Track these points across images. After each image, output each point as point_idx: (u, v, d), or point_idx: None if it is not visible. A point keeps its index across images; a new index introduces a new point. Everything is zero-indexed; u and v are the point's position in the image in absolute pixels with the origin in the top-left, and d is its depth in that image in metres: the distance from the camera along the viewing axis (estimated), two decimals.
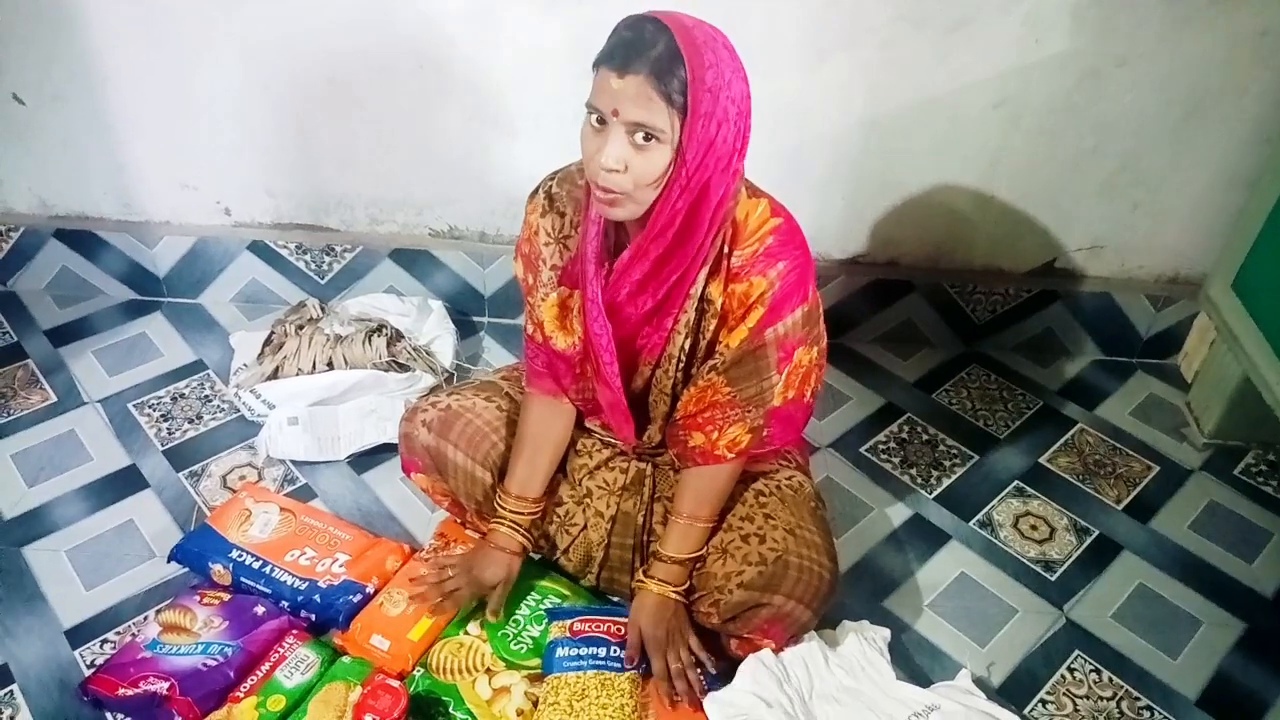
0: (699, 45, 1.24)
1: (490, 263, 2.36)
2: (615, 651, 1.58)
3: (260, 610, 1.65)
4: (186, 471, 2.01)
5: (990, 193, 2.20)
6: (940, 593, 1.83)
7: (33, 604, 1.74)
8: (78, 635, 1.69)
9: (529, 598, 1.69)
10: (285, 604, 1.69)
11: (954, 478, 2.06)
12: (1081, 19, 1.96)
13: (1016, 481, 2.06)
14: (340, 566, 1.74)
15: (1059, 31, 1.98)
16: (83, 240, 2.39)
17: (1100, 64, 2.02)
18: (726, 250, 1.42)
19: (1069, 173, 2.16)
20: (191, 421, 2.12)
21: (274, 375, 2.12)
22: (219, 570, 1.73)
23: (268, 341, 2.19)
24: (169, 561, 1.78)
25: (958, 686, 1.62)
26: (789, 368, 1.47)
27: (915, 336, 2.40)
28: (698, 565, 1.58)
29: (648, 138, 1.26)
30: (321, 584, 1.70)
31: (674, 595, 1.57)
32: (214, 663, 1.55)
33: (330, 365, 2.11)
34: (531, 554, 1.72)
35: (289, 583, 1.70)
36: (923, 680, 1.65)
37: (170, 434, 2.09)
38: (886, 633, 1.67)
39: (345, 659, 1.58)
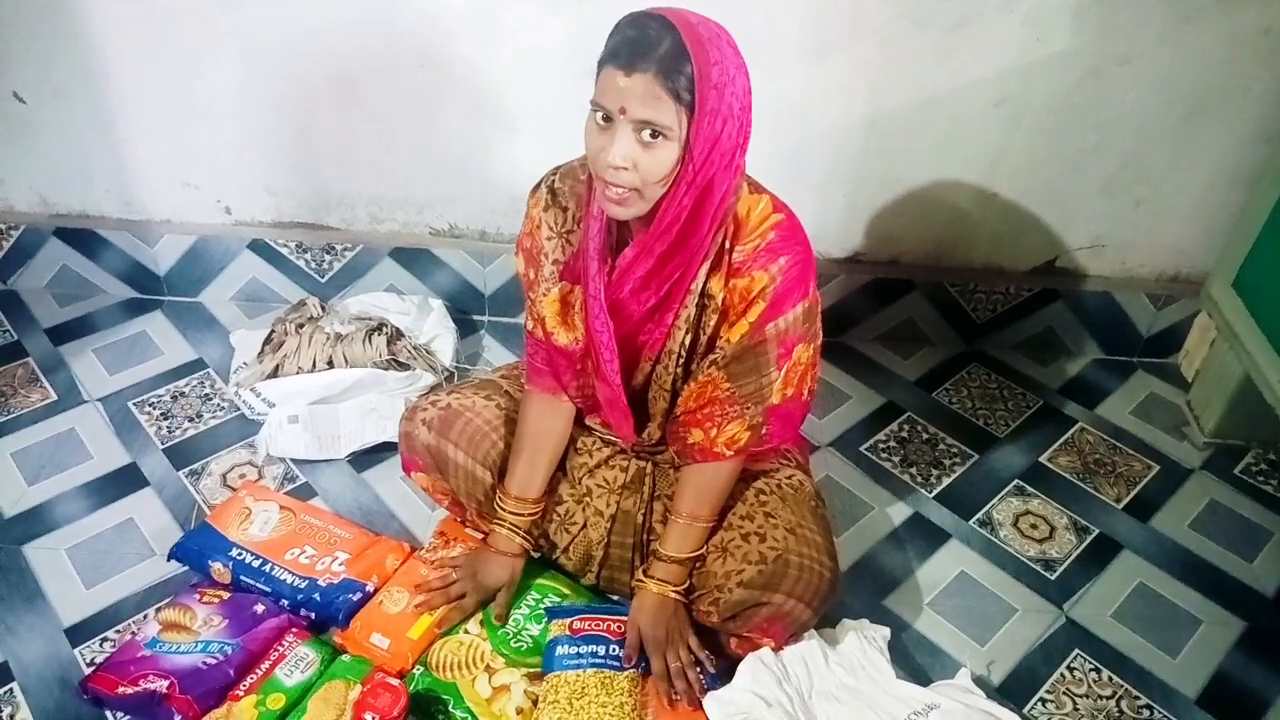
0: (704, 42, 1.25)
1: (490, 261, 2.36)
2: (615, 650, 1.58)
3: (260, 608, 1.65)
4: (186, 470, 2.01)
5: (991, 191, 2.20)
6: (940, 591, 1.82)
7: (33, 602, 1.74)
8: (78, 633, 1.69)
9: (529, 596, 1.69)
10: (285, 602, 1.69)
11: (954, 476, 2.06)
12: (1083, 18, 1.96)
13: (1017, 480, 2.06)
14: (340, 565, 1.74)
15: (1060, 30, 1.97)
16: (83, 239, 2.39)
17: (1101, 63, 2.01)
18: (728, 246, 1.42)
19: (1070, 171, 2.16)
20: (191, 420, 2.12)
21: (274, 374, 2.12)
22: (219, 569, 1.73)
23: (268, 340, 2.19)
24: (169, 560, 1.78)
25: (957, 685, 1.62)
26: (788, 364, 1.47)
27: (916, 335, 2.40)
28: (697, 565, 1.58)
29: (655, 135, 1.26)
30: (321, 582, 1.70)
31: (673, 595, 1.57)
32: (214, 661, 1.55)
33: (330, 364, 2.11)
34: (531, 553, 1.72)
35: (289, 581, 1.70)
36: (922, 679, 1.65)
37: (170, 432, 2.09)
38: (886, 631, 1.67)
39: (345, 657, 1.59)
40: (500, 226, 2.33)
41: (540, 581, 1.72)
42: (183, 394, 2.19)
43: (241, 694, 1.53)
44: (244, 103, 2.18)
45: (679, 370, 1.52)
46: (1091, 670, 1.70)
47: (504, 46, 2.06)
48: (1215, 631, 1.77)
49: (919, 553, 1.90)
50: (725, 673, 1.57)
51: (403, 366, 2.15)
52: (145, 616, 1.70)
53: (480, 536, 1.78)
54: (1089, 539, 1.94)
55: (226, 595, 1.68)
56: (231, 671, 1.55)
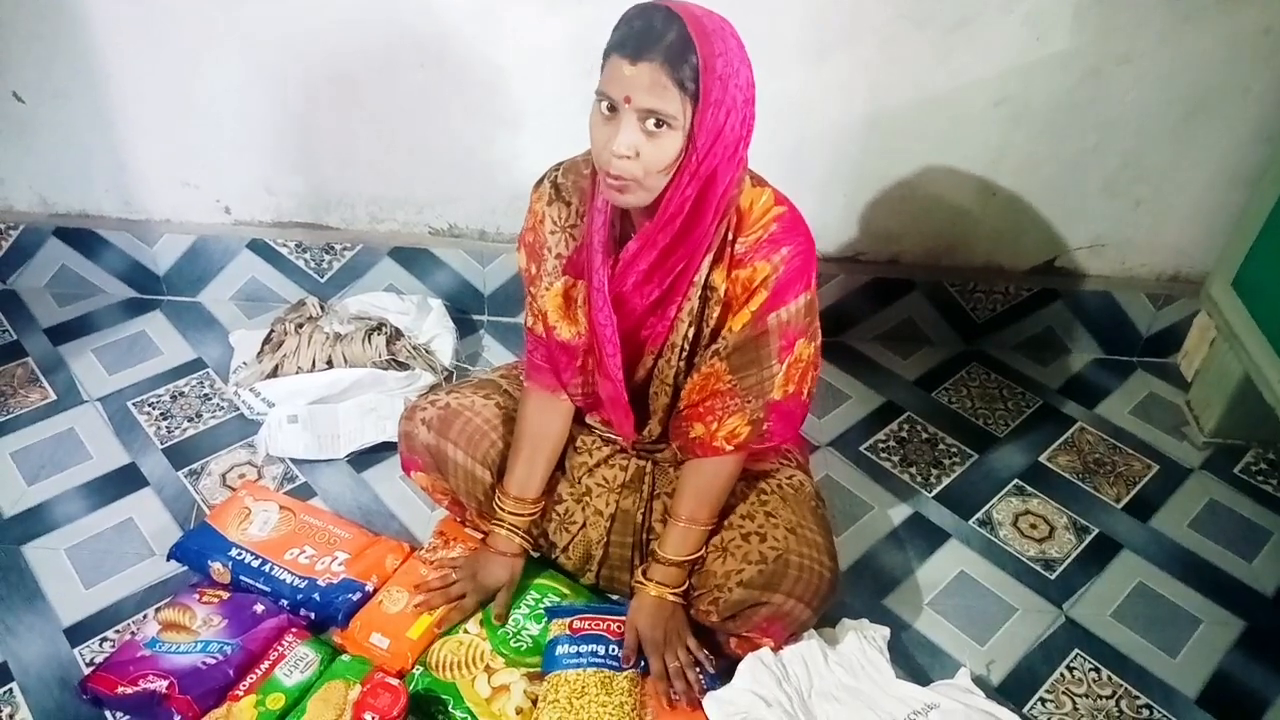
0: (709, 33, 1.26)
1: (490, 261, 2.36)
2: (615, 650, 1.58)
3: (259, 608, 1.65)
4: (186, 470, 2.01)
5: (991, 191, 2.20)
6: (940, 591, 1.82)
7: (32, 602, 1.74)
8: (77, 633, 1.69)
9: (528, 596, 1.69)
10: (285, 602, 1.69)
11: (954, 476, 2.06)
12: (1083, 17, 1.96)
13: (1016, 480, 2.06)
14: (340, 565, 1.73)
15: (1060, 30, 1.97)
16: (83, 238, 2.39)
17: (1102, 62, 2.01)
18: (730, 237, 1.43)
19: (1070, 171, 2.16)
20: (191, 420, 2.12)
21: (273, 373, 2.12)
22: (218, 568, 1.73)
23: (267, 340, 2.19)
24: (168, 560, 1.78)
25: (957, 685, 1.62)
26: (790, 359, 1.48)
27: (915, 335, 2.40)
28: (697, 566, 1.58)
29: (659, 124, 1.27)
30: (321, 582, 1.70)
31: (672, 597, 1.57)
32: (213, 661, 1.55)
33: (330, 363, 2.11)
34: (531, 553, 1.72)
35: (288, 581, 1.70)
36: (922, 679, 1.65)
37: (170, 432, 2.09)
38: (886, 631, 1.67)
39: (345, 657, 1.59)
40: (500, 226, 2.33)
41: (540, 581, 1.72)
42: (182, 394, 2.19)
43: (241, 694, 1.53)
44: (244, 102, 2.18)
45: (681, 364, 1.52)
46: (1091, 670, 1.70)
47: (504, 46, 2.06)
48: (1215, 631, 1.77)
49: (919, 552, 1.90)
50: (725, 673, 1.57)
51: (402, 366, 2.15)
52: (145, 616, 1.70)
53: (480, 536, 1.78)
54: (1089, 539, 1.94)
55: (226, 595, 1.68)
56: (231, 671, 1.54)
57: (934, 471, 2.07)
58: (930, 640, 1.74)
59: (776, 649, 1.58)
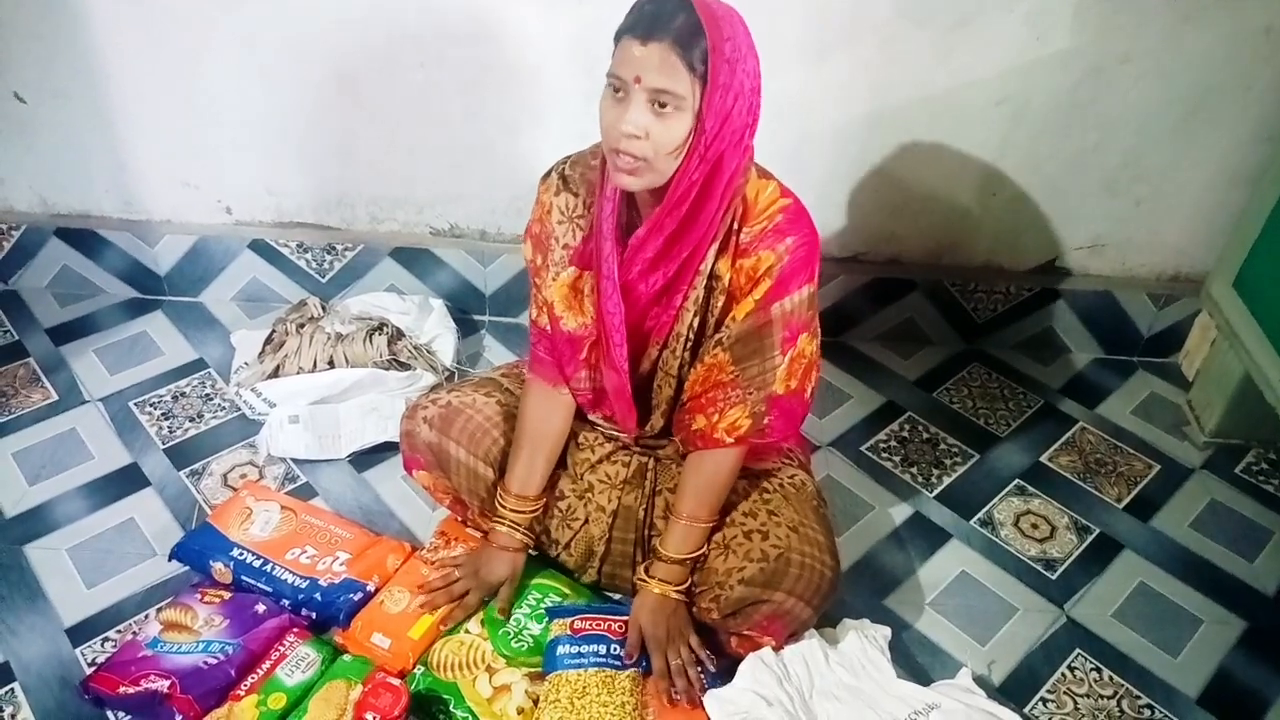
0: (719, 19, 1.28)
1: (491, 261, 2.36)
2: (616, 649, 1.58)
3: (261, 608, 1.65)
4: (187, 470, 2.01)
5: (992, 190, 2.20)
6: (941, 591, 1.82)
7: (34, 602, 1.74)
8: (79, 633, 1.69)
9: (530, 596, 1.69)
10: (286, 602, 1.69)
11: (955, 476, 2.06)
12: (1083, 17, 1.96)
13: (1017, 480, 2.06)
14: (341, 565, 1.74)
15: (1061, 29, 1.97)
16: (84, 239, 2.39)
17: (1103, 61, 2.01)
18: (736, 227, 1.44)
19: (1071, 170, 2.16)
20: (192, 420, 2.12)
21: (275, 374, 2.12)
22: (220, 568, 1.73)
23: (269, 340, 2.19)
24: (170, 560, 1.78)
25: (958, 685, 1.62)
26: (793, 352, 1.48)
27: (916, 335, 2.40)
28: (699, 563, 1.59)
29: (668, 105, 1.29)
30: (322, 582, 1.70)
31: (674, 594, 1.57)
32: (215, 661, 1.55)
33: (331, 364, 2.11)
34: (531, 550, 1.72)
35: (290, 581, 1.70)
36: (923, 678, 1.65)
37: (171, 432, 2.09)
38: (887, 631, 1.67)
39: (346, 657, 1.59)
40: (501, 226, 2.33)
41: (541, 581, 1.72)
42: (184, 394, 2.19)
43: (243, 694, 1.53)
44: (245, 103, 2.18)
45: (686, 355, 1.53)
46: (1092, 670, 1.70)
47: (505, 46, 2.06)
48: (1216, 631, 1.77)
49: (920, 552, 1.90)
50: (725, 672, 1.56)
51: (403, 366, 2.15)
52: (146, 616, 1.70)
53: (481, 536, 1.78)
54: (1090, 538, 1.94)
55: (227, 595, 1.68)
56: (233, 671, 1.55)
57: (935, 471, 2.07)
58: (931, 640, 1.74)
59: (777, 648, 1.58)
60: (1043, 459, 2.11)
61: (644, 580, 1.59)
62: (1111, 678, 1.69)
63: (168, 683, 1.51)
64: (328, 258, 2.38)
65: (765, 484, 1.63)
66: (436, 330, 2.29)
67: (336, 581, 1.70)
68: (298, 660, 1.57)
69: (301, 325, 2.17)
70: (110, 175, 2.31)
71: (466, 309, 2.43)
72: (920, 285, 2.33)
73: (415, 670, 1.60)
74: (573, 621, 1.61)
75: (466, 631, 1.65)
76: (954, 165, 2.16)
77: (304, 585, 1.70)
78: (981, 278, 2.32)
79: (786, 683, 1.54)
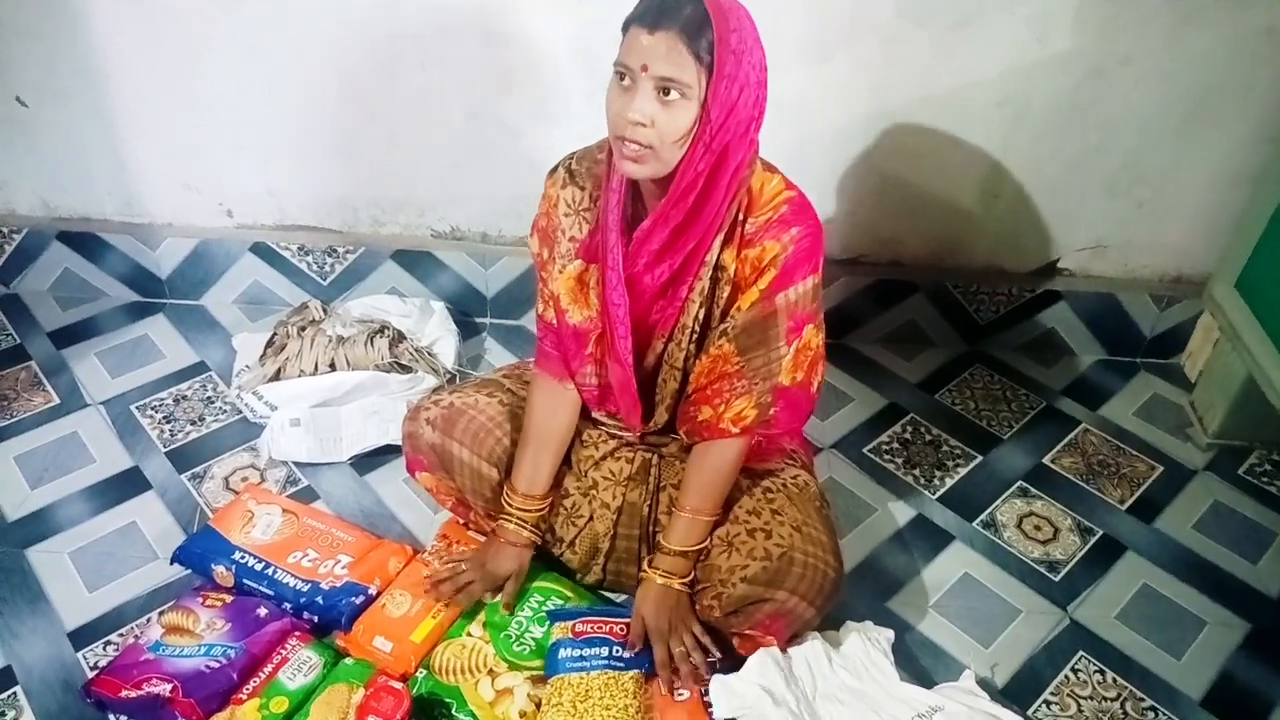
0: (725, 10, 1.30)
1: (492, 264, 2.36)
2: (618, 652, 1.58)
3: (263, 612, 1.65)
4: (189, 473, 2.01)
5: (993, 192, 2.19)
6: (944, 593, 1.82)
7: (36, 606, 1.74)
8: (81, 637, 1.69)
9: (532, 599, 1.69)
10: (288, 605, 1.69)
11: (957, 478, 2.06)
12: (1085, 17, 1.96)
13: (1020, 482, 2.06)
14: (343, 568, 1.73)
15: (1062, 30, 1.97)
16: (85, 242, 2.39)
17: (1104, 62, 2.01)
18: (741, 218, 1.45)
19: (1072, 171, 2.16)
20: (194, 423, 2.12)
21: (276, 377, 2.12)
22: (221, 572, 1.73)
23: (270, 343, 2.19)
24: (171, 563, 1.78)
25: (961, 687, 1.62)
26: (798, 343, 1.49)
27: (918, 337, 2.40)
28: (702, 556, 1.59)
29: (675, 93, 1.30)
30: (324, 585, 1.70)
31: (677, 585, 1.58)
32: (217, 664, 1.55)
33: (332, 366, 2.11)
34: (536, 543, 1.72)
35: (291, 584, 1.70)
36: (926, 681, 1.65)
37: (173, 436, 2.09)
38: (890, 633, 1.67)
39: (348, 660, 1.58)
40: (502, 229, 2.33)
41: (543, 584, 1.72)
42: (185, 397, 2.19)
43: (245, 697, 1.53)
44: (245, 105, 2.18)
45: (691, 347, 1.54)
46: (1096, 672, 1.70)
47: (506, 48, 2.06)
48: (1219, 633, 1.77)
49: (922, 554, 1.89)
50: (729, 671, 1.56)
51: (405, 369, 2.15)
52: (148, 620, 1.70)
53: (482, 539, 1.78)
54: (1093, 540, 1.93)
55: (229, 598, 1.68)
56: (235, 675, 1.54)
57: (937, 473, 2.07)
58: (934, 642, 1.74)
59: (780, 647, 1.57)
60: (1045, 461, 2.11)
61: (647, 572, 1.60)
62: (1115, 680, 1.69)
63: (170, 686, 1.51)
64: (329, 260, 2.38)
65: (769, 483, 1.63)
66: (438, 333, 2.28)
67: (338, 585, 1.70)
68: (300, 664, 1.57)
69: (303, 328, 2.17)
70: (111, 178, 2.31)
71: (468, 311, 2.43)
72: (922, 287, 2.33)
73: (417, 674, 1.60)
74: (575, 625, 1.61)
75: (468, 635, 1.65)
76: (955, 166, 2.16)
77: (306, 588, 1.69)
78: (983, 279, 2.32)
79: (791, 684, 1.53)
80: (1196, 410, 2.22)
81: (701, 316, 1.52)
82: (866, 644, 1.63)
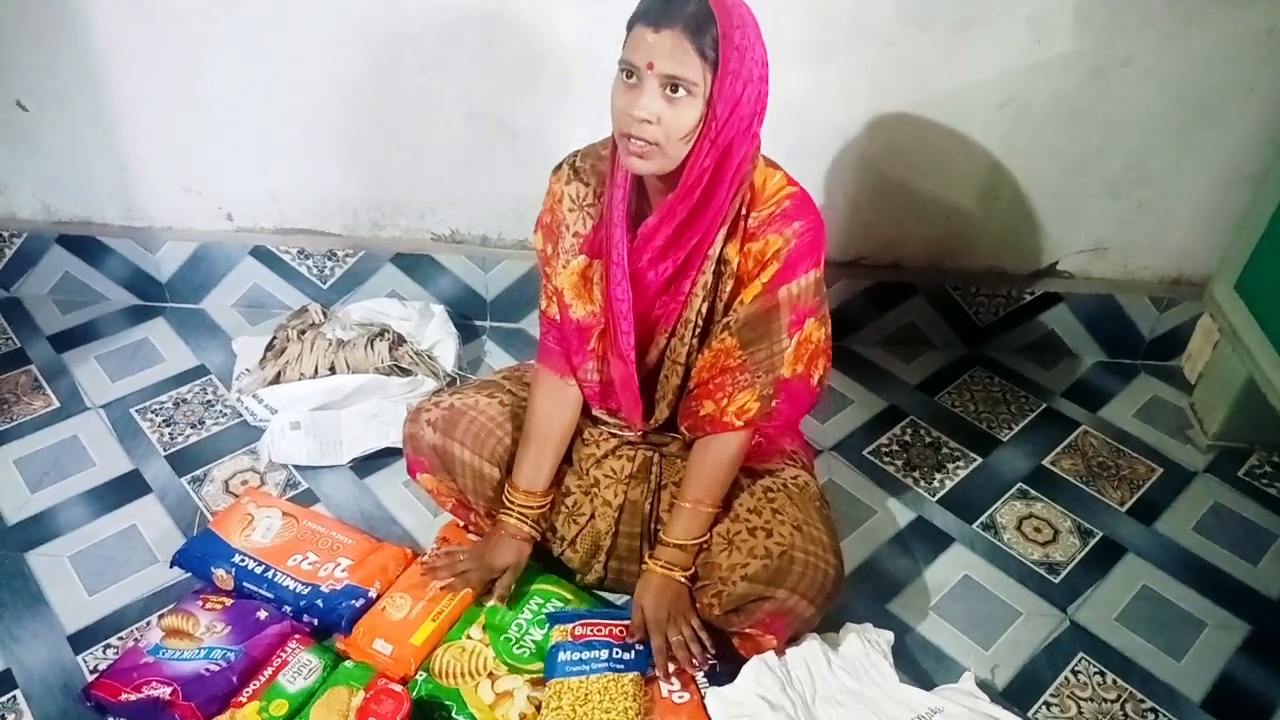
0: (729, 6, 1.32)
1: (492, 267, 2.36)
2: (618, 654, 1.58)
3: (263, 615, 1.65)
4: (189, 476, 2.01)
5: (994, 194, 2.19)
6: (944, 595, 1.82)
7: (36, 609, 1.74)
8: (80, 640, 1.69)
9: (531, 601, 1.69)
10: (288, 608, 1.69)
11: (957, 480, 2.06)
12: (1086, 19, 1.96)
13: (1020, 484, 2.05)
14: (343, 571, 1.73)
15: (1063, 31, 1.97)
16: (86, 246, 2.39)
17: (1105, 63, 2.01)
18: (744, 212, 1.47)
19: (1073, 173, 2.16)
20: (194, 426, 2.12)
21: (276, 380, 2.12)
22: (221, 575, 1.73)
23: (270, 346, 2.19)
24: (171, 566, 1.78)
25: (961, 689, 1.61)
26: (799, 336, 1.50)
27: (918, 339, 2.40)
28: (704, 547, 1.60)
29: (679, 90, 1.31)
30: (324, 588, 1.70)
31: (678, 577, 1.58)
32: (216, 668, 1.55)
33: (332, 370, 2.12)
34: (537, 538, 1.72)
35: (291, 587, 1.70)
36: (926, 683, 1.65)
37: (173, 439, 2.09)
38: (890, 635, 1.67)
39: (348, 663, 1.58)
40: (502, 231, 2.33)
41: (543, 586, 1.72)
42: (185, 400, 2.19)
43: (244, 700, 1.53)
44: (245, 108, 2.18)
45: (694, 341, 1.55)
46: (1096, 674, 1.70)
47: (506, 50, 2.06)
48: (1220, 634, 1.77)
49: (922, 556, 1.89)
50: (729, 674, 1.56)
51: (405, 372, 2.15)
52: (148, 623, 1.70)
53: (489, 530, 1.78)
54: (1093, 542, 1.93)
55: (229, 602, 1.68)
56: (234, 678, 1.54)
57: (937, 476, 2.07)
58: (934, 644, 1.73)
59: (779, 648, 1.58)
60: (1045, 463, 2.11)
61: (649, 563, 1.61)
62: (1115, 682, 1.69)
63: (169, 690, 1.51)
64: (329, 264, 2.38)
65: (769, 483, 1.64)
66: (438, 336, 2.29)
67: (338, 588, 1.70)
68: (299, 667, 1.57)
69: (303, 331, 2.17)
70: (112, 181, 2.31)
71: (468, 314, 2.43)
72: (922, 289, 2.33)
73: (417, 677, 1.60)
74: (574, 628, 1.61)
75: (468, 638, 1.65)
76: (955, 168, 2.16)
77: (306, 591, 1.69)
78: (983, 281, 2.32)
79: (789, 688, 1.53)
80: (1196, 412, 2.22)
81: (704, 311, 1.53)
82: (866, 646, 1.63)
